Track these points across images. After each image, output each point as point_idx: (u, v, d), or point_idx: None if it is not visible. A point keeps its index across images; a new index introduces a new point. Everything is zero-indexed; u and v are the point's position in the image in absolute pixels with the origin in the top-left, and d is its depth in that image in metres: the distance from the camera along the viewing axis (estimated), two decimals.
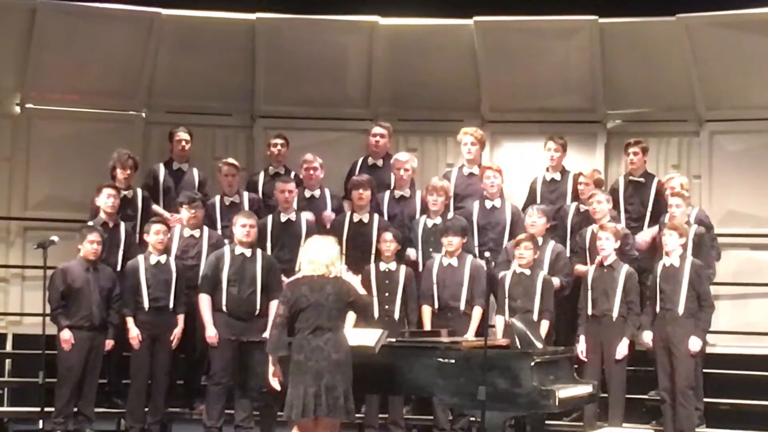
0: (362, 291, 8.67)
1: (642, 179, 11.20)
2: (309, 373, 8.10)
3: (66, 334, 10.26)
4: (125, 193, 11.18)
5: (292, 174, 11.56)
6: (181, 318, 10.57)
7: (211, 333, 10.35)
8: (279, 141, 11.78)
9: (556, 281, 10.42)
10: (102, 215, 10.88)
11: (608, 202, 10.69)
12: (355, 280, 8.79)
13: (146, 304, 10.47)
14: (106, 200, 10.87)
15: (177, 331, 10.53)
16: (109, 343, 10.47)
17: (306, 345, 8.16)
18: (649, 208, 11.02)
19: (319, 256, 8.33)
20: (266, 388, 8.66)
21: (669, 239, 10.04)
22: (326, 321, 8.19)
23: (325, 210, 11.28)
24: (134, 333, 10.40)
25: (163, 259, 10.55)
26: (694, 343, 9.99)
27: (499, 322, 10.32)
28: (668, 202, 10.56)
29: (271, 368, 8.38)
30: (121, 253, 10.85)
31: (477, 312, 10.33)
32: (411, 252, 10.87)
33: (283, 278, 10.06)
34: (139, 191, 11.33)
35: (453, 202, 11.23)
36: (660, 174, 11.52)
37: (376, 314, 10.23)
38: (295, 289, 8.31)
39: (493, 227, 10.98)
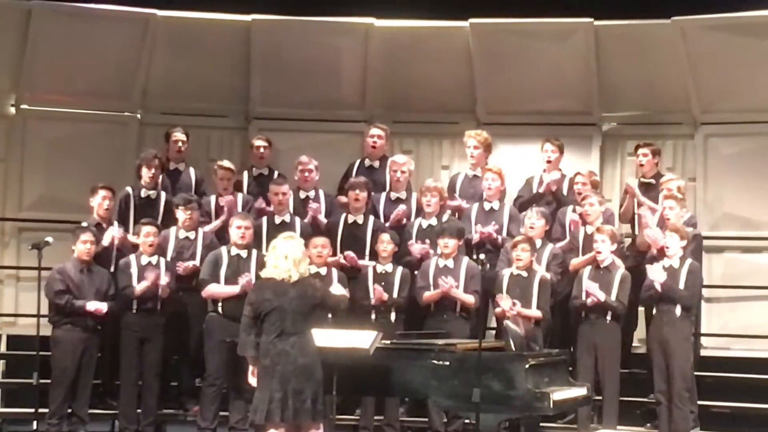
0: (341, 291, 8.75)
1: (653, 180, 11.17)
2: (275, 377, 8.08)
3: (92, 305, 10.21)
4: (149, 193, 11.19)
5: (276, 174, 11.57)
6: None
7: (243, 281, 10.17)
8: (262, 142, 11.75)
9: (548, 275, 10.41)
10: (95, 216, 10.89)
11: (601, 204, 10.72)
12: (339, 290, 8.85)
13: (134, 306, 10.46)
14: (100, 201, 10.88)
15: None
16: (104, 307, 10.36)
17: (272, 349, 8.14)
18: (660, 210, 10.99)
19: (282, 260, 8.26)
20: None
21: (671, 241, 10.05)
22: (290, 325, 8.16)
23: (319, 211, 11.20)
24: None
25: (153, 260, 10.54)
26: (652, 271, 9.96)
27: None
28: (662, 205, 10.57)
29: (250, 367, 8.41)
30: (114, 254, 10.83)
31: (470, 297, 10.27)
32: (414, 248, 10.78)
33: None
34: (163, 193, 11.30)
35: None
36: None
37: (373, 316, 10.30)
38: (259, 293, 8.30)
39: None
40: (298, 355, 8.11)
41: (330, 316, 9.27)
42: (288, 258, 8.25)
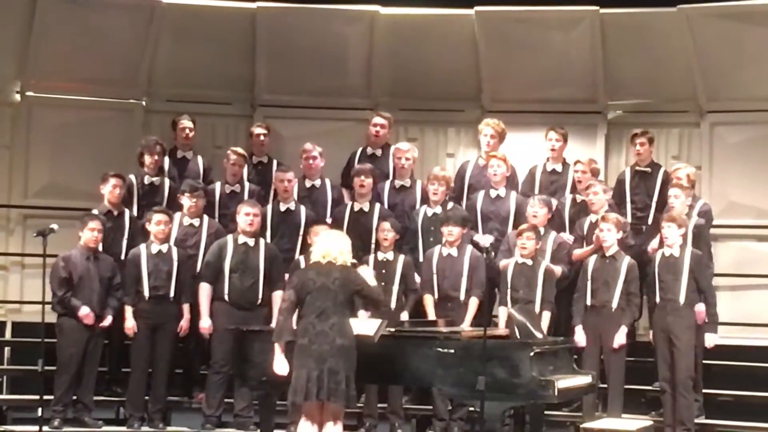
0: (374, 283, 8.73)
1: (648, 169, 11.20)
2: (312, 356, 8.17)
3: (84, 310, 10.24)
4: (153, 179, 11.24)
5: (275, 163, 11.57)
6: (186, 308, 10.52)
7: (204, 324, 10.36)
8: (261, 130, 11.77)
9: (558, 269, 10.41)
10: (106, 203, 10.90)
11: (606, 192, 10.70)
12: (368, 273, 8.82)
13: (147, 293, 10.46)
14: (111, 189, 10.88)
15: (183, 323, 10.51)
16: (108, 320, 10.44)
17: (311, 329, 8.23)
18: (655, 198, 11.02)
19: (332, 249, 8.42)
20: (266, 378, 8.68)
21: (668, 231, 10.04)
22: (332, 305, 8.26)
23: (326, 199, 11.24)
24: (130, 324, 10.39)
25: (164, 248, 10.55)
26: (710, 339, 10.14)
27: (502, 313, 10.30)
28: (668, 193, 10.57)
29: (277, 356, 8.37)
30: (125, 241, 10.88)
31: (473, 302, 10.32)
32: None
33: None
34: (167, 180, 11.33)
35: (467, 192, 11.24)
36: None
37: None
38: (303, 275, 8.45)
39: (497, 216, 10.98)
40: (337, 336, 8.20)
41: (368, 313, 9.34)
42: (343, 253, 8.44)
